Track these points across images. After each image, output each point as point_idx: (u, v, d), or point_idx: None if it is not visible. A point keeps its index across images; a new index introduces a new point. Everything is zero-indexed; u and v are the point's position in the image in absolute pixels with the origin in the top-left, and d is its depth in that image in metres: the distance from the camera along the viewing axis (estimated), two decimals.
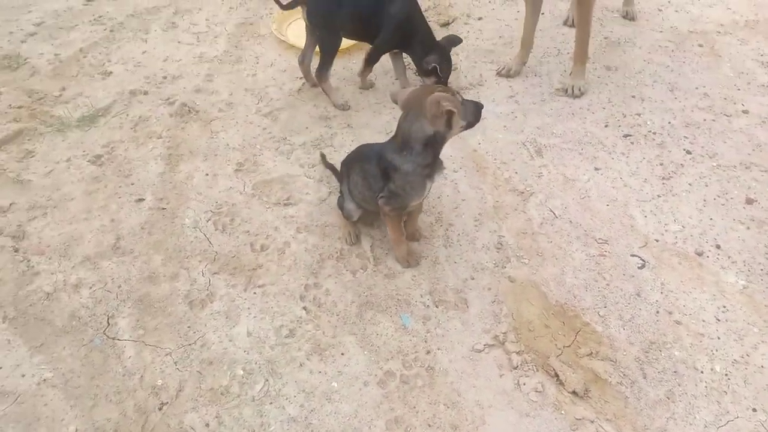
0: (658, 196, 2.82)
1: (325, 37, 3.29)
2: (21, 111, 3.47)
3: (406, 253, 2.54)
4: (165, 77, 3.75)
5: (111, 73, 3.80)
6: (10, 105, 3.51)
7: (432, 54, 3.22)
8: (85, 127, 3.35)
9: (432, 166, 2.29)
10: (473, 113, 2.29)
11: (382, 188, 2.34)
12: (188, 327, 2.34)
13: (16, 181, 3.01)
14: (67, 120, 3.40)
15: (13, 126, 3.35)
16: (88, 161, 3.12)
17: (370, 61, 3.41)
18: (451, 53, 3.31)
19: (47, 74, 3.79)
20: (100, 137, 3.28)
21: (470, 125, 2.31)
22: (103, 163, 3.11)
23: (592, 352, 2.20)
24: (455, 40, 3.34)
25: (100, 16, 4.38)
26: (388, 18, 3.19)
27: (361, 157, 2.53)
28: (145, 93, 3.62)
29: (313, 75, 3.43)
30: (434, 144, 2.24)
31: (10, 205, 2.88)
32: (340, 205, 2.64)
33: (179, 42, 4.11)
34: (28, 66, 3.87)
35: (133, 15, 4.40)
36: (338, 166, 2.78)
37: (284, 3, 3.26)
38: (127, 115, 3.44)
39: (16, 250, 2.67)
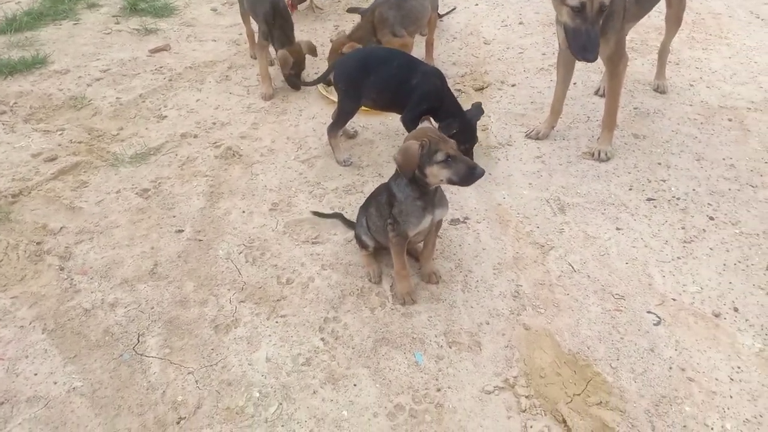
0: (678, 258, 2.86)
1: (344, 101, 3.51)
2: (80, 146, 3.77)
3: (407, 290, 2.63)
4: (214, 123, 4.03)
5: (166, 117, 4.11)
6: (71, 140, 3.82)
7: (454, 119, 3.28)
8: (137, 164, 3.61)
9: (425, 200, 2.46)
10: (457, 174, 2.35)
11: (389, 215, 2.53)
12: (212, 349, 2.46)
13: (68, 208, 3.25)
14: (121, 156, 3.67)
15: (71, 159, 3.63)
16: (136, 194, 3.35)
17: (409, 129, 3.48)
18: (477, 123, 3.43)
19: (108, 115, 4.12)
20: (149, 173, 3.53)
21: (453, 183, 2.40)
22: (149, 197, 3.34)
23: (601, 402, 2.22)
24: (478, 113, 3.41)
25: (161, 67, 4.76)
26: (413, 90, 3.37)
27: (377, 191, 2.75)
28: (195, 136, 3.89)
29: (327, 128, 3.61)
30: (416, 182, 2.42)
31: (61, 228, 3.11)
32: (357, 236, 2.82)
33: (231, 93, 4.41)
34: (91, 107, 4.21)
35: (192, 67, 4.76)
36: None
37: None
38: (176, 154, 3.70)
39: (62, 269, 2.86)
